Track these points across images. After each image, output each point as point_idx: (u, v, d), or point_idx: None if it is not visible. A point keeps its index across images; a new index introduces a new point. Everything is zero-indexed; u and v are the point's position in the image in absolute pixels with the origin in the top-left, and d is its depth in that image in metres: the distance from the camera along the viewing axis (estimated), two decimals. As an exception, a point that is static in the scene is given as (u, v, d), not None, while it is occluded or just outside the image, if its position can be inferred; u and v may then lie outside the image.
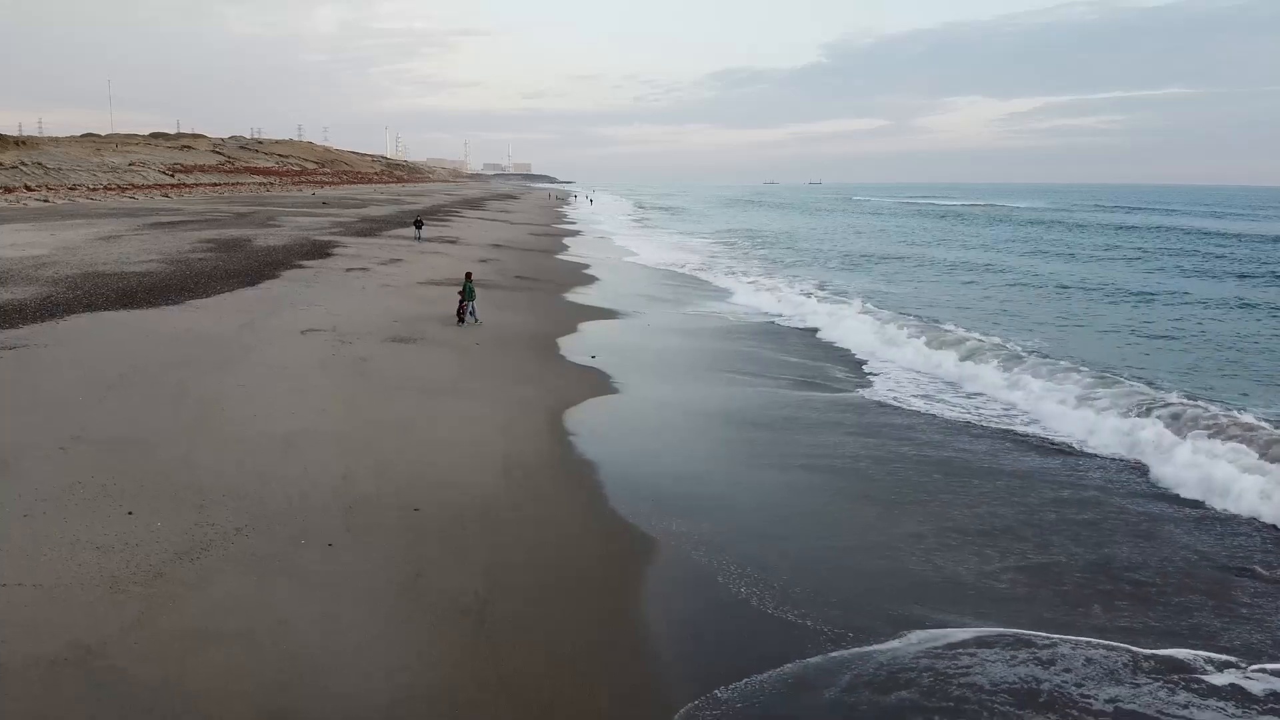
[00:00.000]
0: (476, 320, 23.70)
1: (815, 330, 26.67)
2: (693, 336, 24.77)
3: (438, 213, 78.87)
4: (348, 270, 33.39)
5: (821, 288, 36.88)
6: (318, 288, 28.50)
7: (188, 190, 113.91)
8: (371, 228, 55.33)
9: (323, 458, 12.59)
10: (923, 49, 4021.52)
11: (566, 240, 58.43)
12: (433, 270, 35.08)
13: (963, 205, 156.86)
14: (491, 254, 44.01)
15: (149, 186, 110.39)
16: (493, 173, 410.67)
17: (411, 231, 49.45)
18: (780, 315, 29.54)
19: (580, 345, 22.20)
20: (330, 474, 11.99)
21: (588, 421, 15.80)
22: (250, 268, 32.17)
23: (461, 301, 23.82)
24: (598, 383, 18.53)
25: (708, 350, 23.07)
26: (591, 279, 36.64)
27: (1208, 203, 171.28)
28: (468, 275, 24.86)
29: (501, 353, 20.70)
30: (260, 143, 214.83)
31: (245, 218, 58.36)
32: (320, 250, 39.75)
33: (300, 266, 33.59)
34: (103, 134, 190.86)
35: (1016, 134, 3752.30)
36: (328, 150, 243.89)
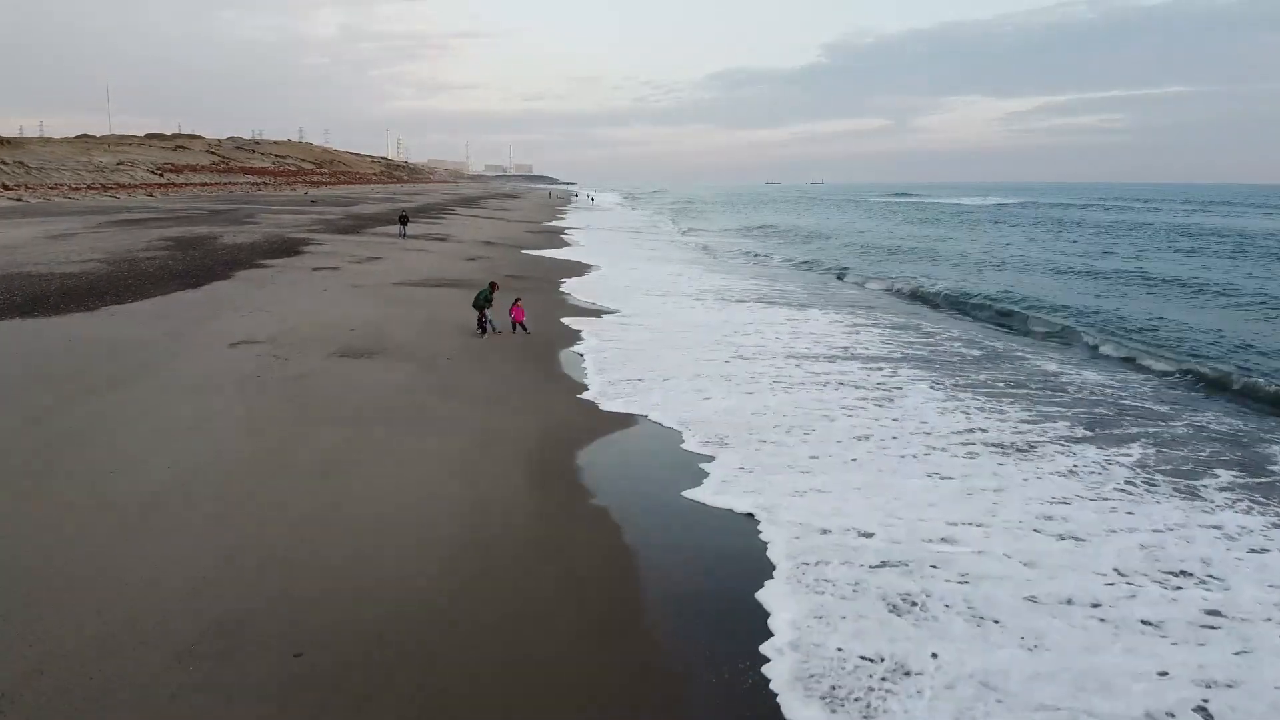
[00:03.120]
0: (496, 329, 20.17)
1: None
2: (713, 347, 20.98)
3: (430, 211, 75.05)
4: (314, 270, 29.55)
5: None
6: (272, 290, 24.67)
7: (176, 190, 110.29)
8: (356, 225, 51.53)
9: (185, 540, 8.66)
10: (922, 49, 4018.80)
11: (565, 235, 54.64)
12: (411, 269, 31.24)
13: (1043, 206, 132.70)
14: (482, 252, 40.16)
15: (135, 186, 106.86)
16: (494, 174, 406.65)
17: (397, 229, 45.59)
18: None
19: (586, 353, 18.42)
20: (186, 572, 8.01)
21: (598, 466, 11.92)
22: (202, 267, 28.36)
23: (480, 312, 20.22)
24: (611, 413, 14.63)
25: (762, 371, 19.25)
26: (591, 279, 32.82)
27: (1246, 200, 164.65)
28: (492, 285, 20.86)
29: (479, 368, 16.84)
30: (257, 143, 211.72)
31: (222, 215, 54.61)
32: (290, 248, 35.93)
33: (261, 265, 29.77)
34: (98, 135, 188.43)
35: (1017, 133, 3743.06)
36: (326, 151, 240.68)
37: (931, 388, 16.46)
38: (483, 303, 20.05)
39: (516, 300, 20.95)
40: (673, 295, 28.80)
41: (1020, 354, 20.93)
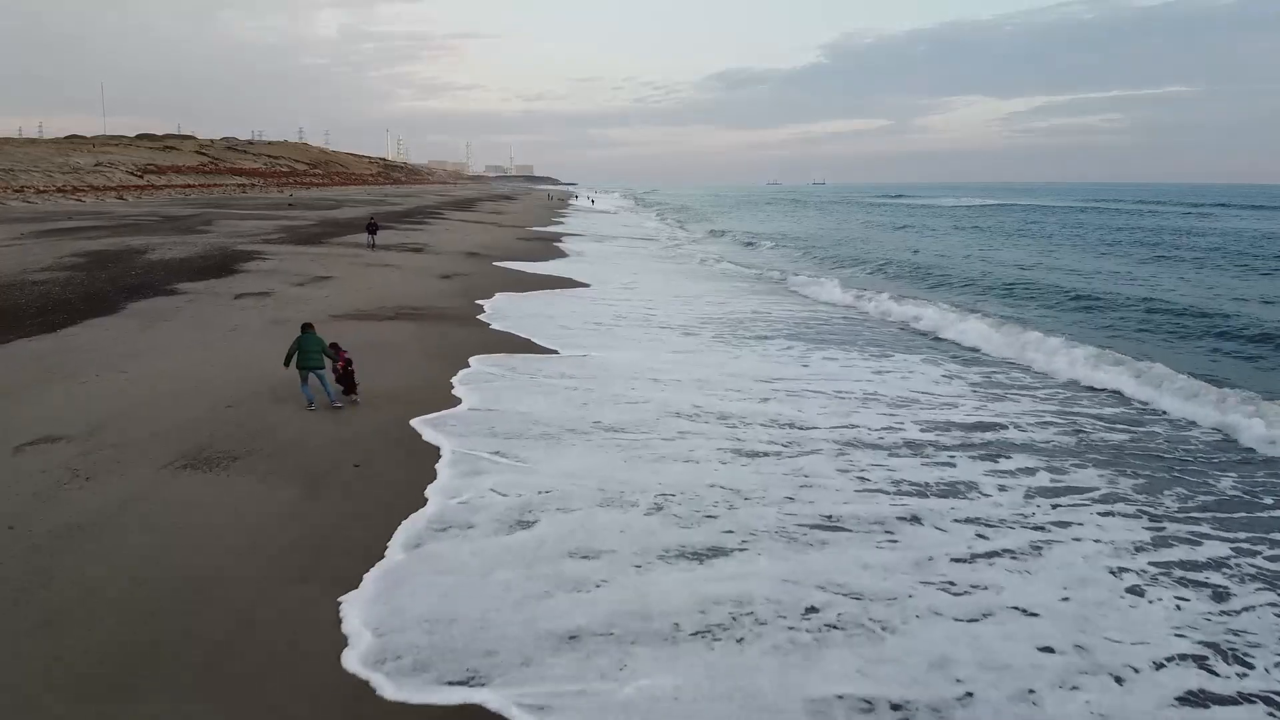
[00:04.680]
0: (331, 398, 13.60)
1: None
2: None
3: (417, 214, 68.89)
4: (238, 297, 23.42)
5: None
6: (162, 331, 18.54)
7: (154, 191, 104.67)
8: (325, 232, 45.40)
9: None
10: (923, 49, 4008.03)
11: (558, 244, 48.47)
12: (365, 293, 25.11)
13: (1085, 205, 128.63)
14: (460, 266, 34.01)
15: (111, 188, 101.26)
16: (495, 174, 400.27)
17: (366, 238, 39.41)
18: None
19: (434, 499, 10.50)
20: None
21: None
22: (92, 295, 22.27)
23: (307, 373, 13.54)
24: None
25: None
26: (571, 305, 26.65)
27: (1249, 201, 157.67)
28: (305, 327, 13.89)
29: (389, 486, 10.71)
30: (251, 144, 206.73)
31: (178, 221, 48.53)
32: (226, 265, 29.82)
33: (171, 292, 23.65)
34: (87, 136, 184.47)
35: (1017, 133, 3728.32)
36: (323, 151, 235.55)
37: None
38: (314, 359, 13.33)
39: (336, 351, 13.86)
40: (671, 328, 22.66)
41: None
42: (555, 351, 18.63)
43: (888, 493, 10.84)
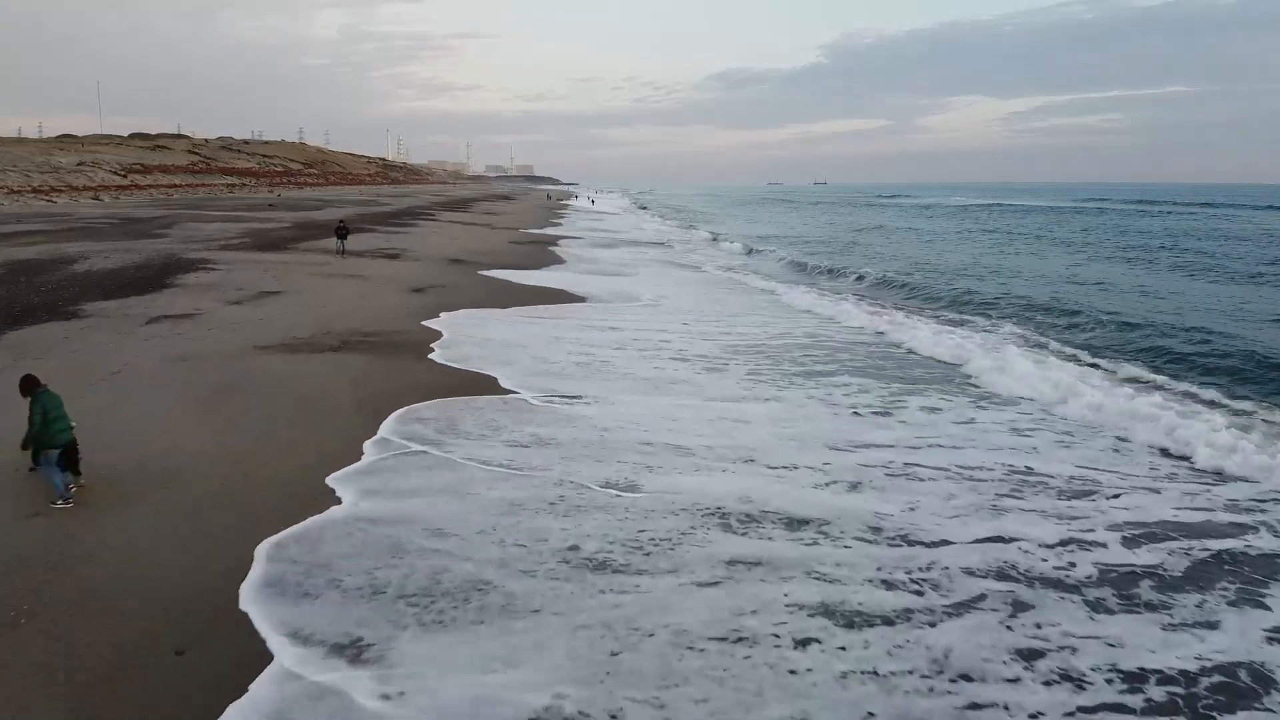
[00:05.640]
0: (59, 490, 9.13)
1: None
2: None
3: (405, 216, 64.51)
4: (150, 321, 19.03)
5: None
6: (11, 377, 14.17)
7: (136, 191, 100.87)
8: (295, 237, 41.04)
9: None
10: (923, 49, 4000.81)
11: (555, 248, 44.07)
12: (311, 316, 20.73)
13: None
14: (439, 276, 29.64)
15: (91, 188, 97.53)
16: (495, 175, 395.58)
17: (335, 244, 35.02)
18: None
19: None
20: None
21: None
22: (-37, 320, 17.96)
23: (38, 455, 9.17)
24: None
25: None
26: (557, 333, 22.26)
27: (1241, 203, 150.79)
28: (28, 383, 9.44)
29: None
30: (246, 143, 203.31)
31: (134, 225, 44.20)
32: (159, 278, 25.47)
33: (71, 315, 19.29)
34: (79, 135, 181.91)
35: (1018, 133, 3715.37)
36: (320, 151, 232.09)
37: None
38: (64, 428, 9.16)
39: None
40: (685, 359, 18.19)
41: None
42: (525, 400, 14.17)
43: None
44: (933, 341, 20.63)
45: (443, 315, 21.55)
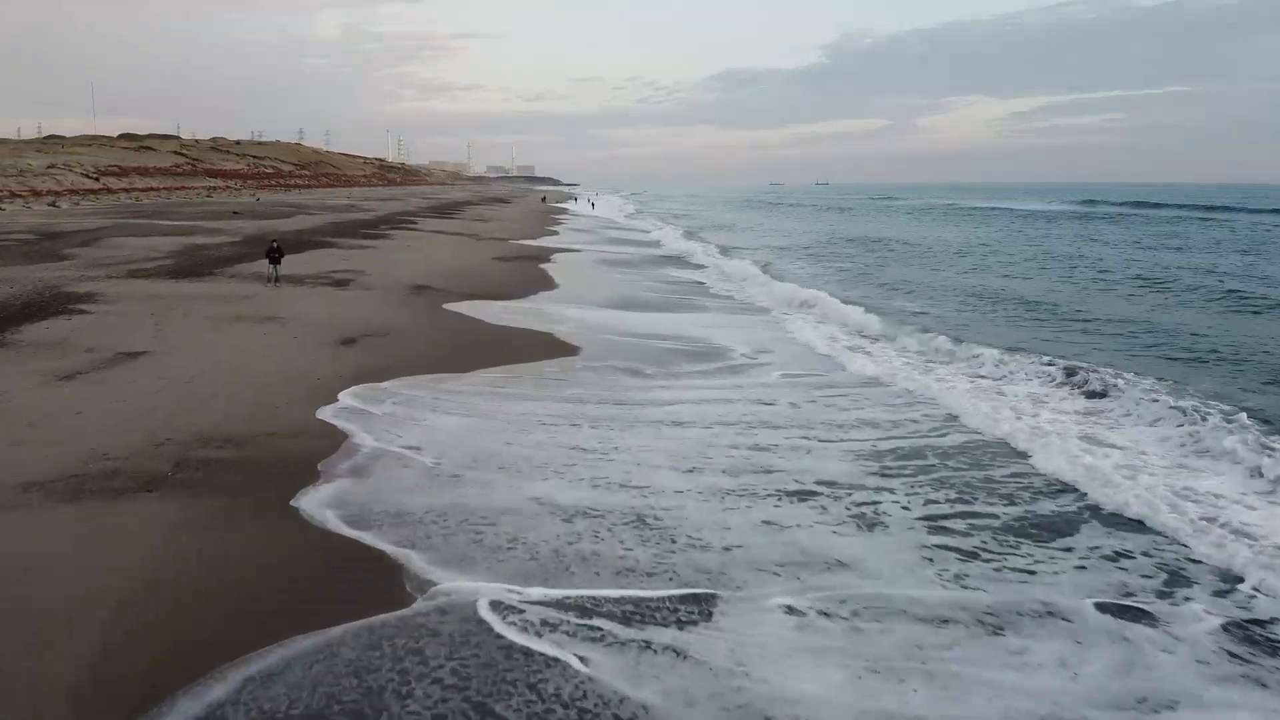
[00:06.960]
0: None
1: None
2: None
3: (381, 224, 57.52)
4: (-114, 422, 12.24)
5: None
6: None
7: (106, 195, 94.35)
8: (232, 256, 34.13)
9: None
10: (923, 49, 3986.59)
11: (547, 266, 37.19)
12: (167, 396, 13.79)
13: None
14: (389, 315, 22.76)
15: (57, 192, 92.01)
16: (496, 175, 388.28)
17: (268, 268, 27.94)
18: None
19: None
20: None
21: None
22: None
23: None
24: None
25: None
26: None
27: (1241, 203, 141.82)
28: None
29: None
30: (238, 144, 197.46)
31: (52, 240, 37.37)
32: (-9, 329, 18.66)
33: None
34: (68, 136, 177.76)
35: (1018, 133, 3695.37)
36: (315, 152, 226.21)
37: None
38: None
39: None
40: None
41: None
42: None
43: None
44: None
45: (359, 393, 14.64)
